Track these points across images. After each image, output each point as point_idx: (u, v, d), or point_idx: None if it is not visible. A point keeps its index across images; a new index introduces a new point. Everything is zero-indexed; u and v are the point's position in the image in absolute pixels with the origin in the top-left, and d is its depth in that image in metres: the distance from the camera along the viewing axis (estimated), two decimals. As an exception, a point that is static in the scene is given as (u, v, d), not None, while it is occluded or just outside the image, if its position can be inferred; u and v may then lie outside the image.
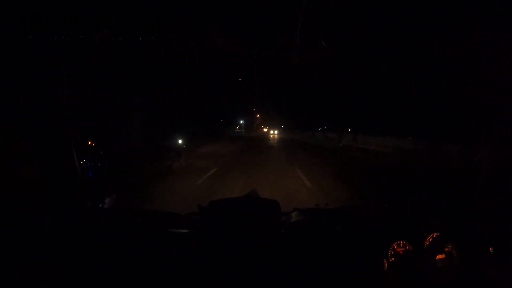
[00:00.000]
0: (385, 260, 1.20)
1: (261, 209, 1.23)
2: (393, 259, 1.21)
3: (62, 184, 1.19)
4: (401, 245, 1.24)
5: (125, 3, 1.20)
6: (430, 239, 1.25)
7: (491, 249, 1.23)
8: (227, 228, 1.17)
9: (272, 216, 1.22)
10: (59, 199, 1.18)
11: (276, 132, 45.80)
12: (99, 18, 1.15)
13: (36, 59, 1.07)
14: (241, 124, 49.92)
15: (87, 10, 1.11)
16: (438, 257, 1.24)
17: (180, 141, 9.94)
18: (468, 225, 1.30)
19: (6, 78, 1.03)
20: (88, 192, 1.26)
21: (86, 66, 1.41)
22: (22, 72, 1.06)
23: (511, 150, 1.34)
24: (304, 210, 1.40)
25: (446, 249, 1.25)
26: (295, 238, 1.22)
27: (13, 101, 1.07)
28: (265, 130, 54.81)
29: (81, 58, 1.30)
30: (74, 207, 1.21)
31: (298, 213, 1.36)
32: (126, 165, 6.70)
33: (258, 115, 56.34)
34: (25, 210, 1.09)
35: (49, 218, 1.14)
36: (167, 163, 7.78)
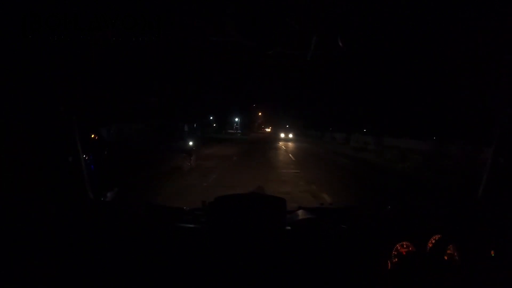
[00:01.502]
0: (388, 261, 1.20)
1: (266, 205, 1.23)
2: (396, 259, 1.21)
3: (65, 175, 1.20)
4: (405, 246, 1.24)
5: (125, 3, 1.20)
6: (433, 241, 1.25)
7: (492, 252, 1.22)
8: (232, 224, 1.18)
9: (277, 213, 1.22)
10: (62, 190, 1.19)
11: (290, 135, 32.92)
12: (99, 18, 1.15)
13: (36, 59, 1.08)
14: (236, 122, 37.82)
15: (87, 10, 1.11)
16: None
17: (190, 143, 9.95)
18: (469, 227, 1.29)
19: (6, 78, 1.04)
20: (90, 185, 1.27)
21: (87, 65, 1.42)
22: (23, 68, 1.07)
23: None
24: (309, 208, 1.41)
25: (448, 251, 1.25)
26: (300, 235, 1.23)
27: (15, 93, 1.07)
28: (268, 130, 46.97)
29: (81, 58, 1.30)
30: (76, 200, 1.22)
31: (304, 211, 1.37)
32: (132, 165, 6.65)
33: (260, 113, 48.53)
34: (25, 203, 1.09)
35: (51, 210, 1.14)
36: (176, 163, 7.74)
